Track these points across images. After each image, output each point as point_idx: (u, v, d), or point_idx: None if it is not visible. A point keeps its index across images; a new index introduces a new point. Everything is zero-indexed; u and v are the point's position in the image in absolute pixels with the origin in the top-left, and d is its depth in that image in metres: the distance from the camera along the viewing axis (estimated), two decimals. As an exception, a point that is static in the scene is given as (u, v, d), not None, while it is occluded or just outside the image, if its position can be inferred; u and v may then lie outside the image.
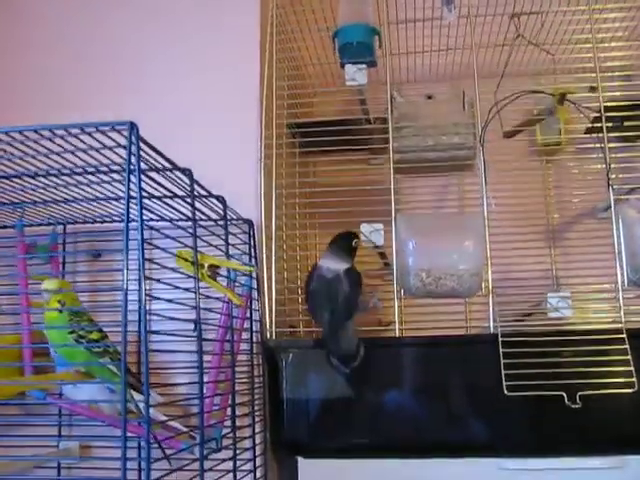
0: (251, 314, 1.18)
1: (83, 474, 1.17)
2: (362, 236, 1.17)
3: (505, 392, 1.02)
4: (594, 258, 1.36)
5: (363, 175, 1.41)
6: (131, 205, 0.79)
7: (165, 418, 0.95)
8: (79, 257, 1.27)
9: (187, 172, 0.92)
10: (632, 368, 1.03)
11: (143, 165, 0.81)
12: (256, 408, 1.16)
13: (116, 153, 0.80)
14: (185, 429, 0.99)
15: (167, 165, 0.87)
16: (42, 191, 0.95)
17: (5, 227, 1.17)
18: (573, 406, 1.01)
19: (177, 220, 0.96)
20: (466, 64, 1.43)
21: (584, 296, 1.21)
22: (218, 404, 1.08)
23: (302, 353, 1.16)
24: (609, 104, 1.21)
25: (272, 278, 1.22)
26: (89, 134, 0.78)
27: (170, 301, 0.86)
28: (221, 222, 1.09)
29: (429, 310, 1.27)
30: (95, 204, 1.04)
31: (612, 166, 1.16)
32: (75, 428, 1.20)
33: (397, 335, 1.16)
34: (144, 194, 0.81)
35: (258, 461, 1.14)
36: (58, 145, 0.81)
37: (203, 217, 1.04)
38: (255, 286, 1.21)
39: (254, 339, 1.18)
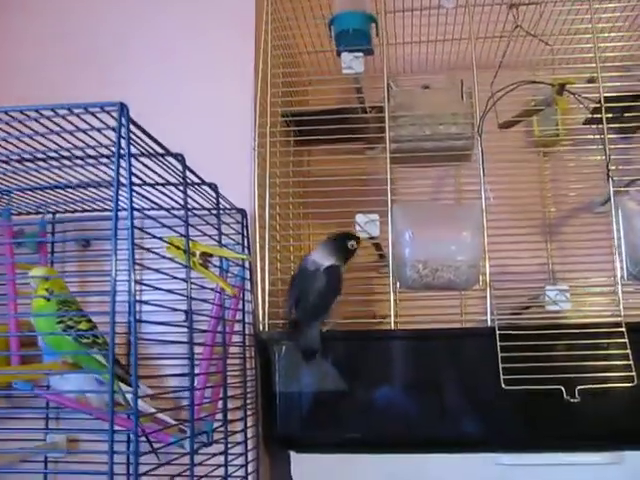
0: (243, 305, 1.16)
1: (70, 468, 1.15)
2: (357, 227, 1.15)
3: (503, 386, 1.00)
4: (591, 252, 1.35)
5: (358, 165, 1.39)
6: (121, 192, 0.77)
7: (154, 410, 0.93)
8: (69, 246, 1.25)
9: (179, 157, 0.90)
10: (631, 362, 1.01)
11: (134, 150, 0.79)
12: (248, 401, 1.14)
13: (106, 136, 0.78)
14: (175, 422, 0.97)
15: (159, 150, 0.84)
16: (29, 176, 0.93)
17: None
18: (572, 400, 1.00)
19: (170, 209, 0.93)
20: (463, 56, 1.41)
21: (583, 290, 1.20)
22: (209, 397, 1.06)
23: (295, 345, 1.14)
24: (608, 95, 1.19)
25: (265, 269, 1.20)
26: (77, 115, 0.75)
27: (158, 289, 0.84)
28: (214, 211, 1.07)
29: (424, 304, 1.25)
30: (84, 191, 1.01)
31: (611, 157, 1.14)
32: (63, 421, 1.18)
33: (392, 328, 1.14)
34: (135, 180, 0.79)
35: (250, 455, 1.12)
36: (45, 127, 0.78)
37: (196, 206, 1.02)
38: (248, 277, 1.19)
39: (246, 331, 1.16)
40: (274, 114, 1.28)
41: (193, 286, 0.91)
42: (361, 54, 1.22)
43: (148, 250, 0.84)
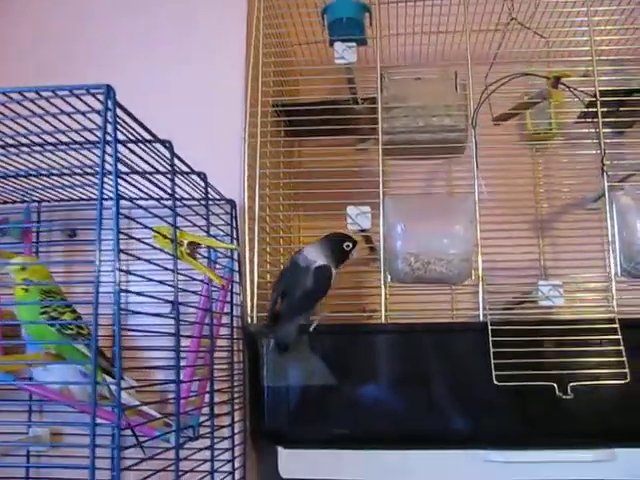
0: (232, 297, 1.13)
1: (53, 462, 1.12)
2: (348, 219, 1.13)
3: (495, 382, 0.99)
4: (583, 249, 1.33)
5: (350, 157, 1.37)
6: (106, 179, 0.75)
7: (138, 403, 0.91)
8: (55, 235, 1.22)
9: (167, 144, 0.87)
10: (624, 359, 1.00)
11: (120, 136, 0.77)
12: (236, 395, 1.12)
13: (92, 121, 0.76)
14: (160, 415, 0.95)
15: (146, 136, 0.82)
16: (12, 162, 0.90)
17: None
18: (564, 397, 0.99)
19: (157, 199, 0.91)
20: (457, 49, 1.40)
21: (576, 286, 1.18)
22: (196, 390, 1.04)
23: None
24: (604, 88, 1.18)
25: (254, 260, 1.18)
26: (62, 98, 0.73)
27: (143, 277, 0.82)
28: (203, 201, 1.05)
29: (415, 299, 1.23)
30: (69, 178, 0.99)
31: (606, 152, 1.13)
32: (46, 414, 1.16)
33: (382, 322, 1.12)
34: (121, 168, 0.77)
35: (237, 450, 1.11)
36: (29, 110, 0.76)
37: (185, 195, 1.00)
38: (236, 269, 1.16)
39: (234, 323, 1.14)
40: (265, 104, 1.26)
41: (181, 278, 0.89)
42: (354, 44, 1.20)
43: (134, 238, 0.82)
